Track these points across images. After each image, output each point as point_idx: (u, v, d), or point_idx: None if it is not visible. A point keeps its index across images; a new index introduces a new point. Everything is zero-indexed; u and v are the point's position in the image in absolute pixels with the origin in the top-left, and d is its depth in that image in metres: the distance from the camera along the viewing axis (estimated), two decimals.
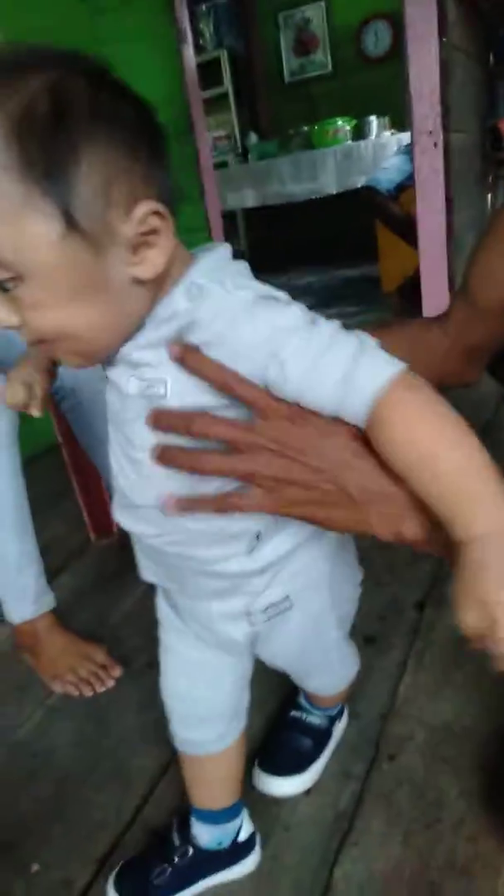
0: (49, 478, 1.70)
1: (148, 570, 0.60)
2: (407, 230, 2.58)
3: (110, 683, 1.03)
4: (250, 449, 0.45)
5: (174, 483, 0.48)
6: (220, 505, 0.47)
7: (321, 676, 0.76)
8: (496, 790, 0.78)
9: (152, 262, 0.43)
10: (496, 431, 1.67)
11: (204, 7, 4.16)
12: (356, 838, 0.76)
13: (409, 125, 1.98)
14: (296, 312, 0.45)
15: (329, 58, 4.17)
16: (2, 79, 0.38)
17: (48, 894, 0.75)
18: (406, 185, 2.76)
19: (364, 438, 0.45)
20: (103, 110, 0.40)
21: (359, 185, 3.07)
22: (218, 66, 4.20)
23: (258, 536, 0.52)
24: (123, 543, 1.18)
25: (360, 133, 3.39)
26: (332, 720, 0.87)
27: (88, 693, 1.02)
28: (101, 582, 1.30)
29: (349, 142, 3.37)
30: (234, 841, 0.74)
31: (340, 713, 0.89)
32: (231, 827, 0.73)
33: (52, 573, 1.34)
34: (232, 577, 0.54)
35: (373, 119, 3.34)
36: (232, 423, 0.45)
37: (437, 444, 0.43)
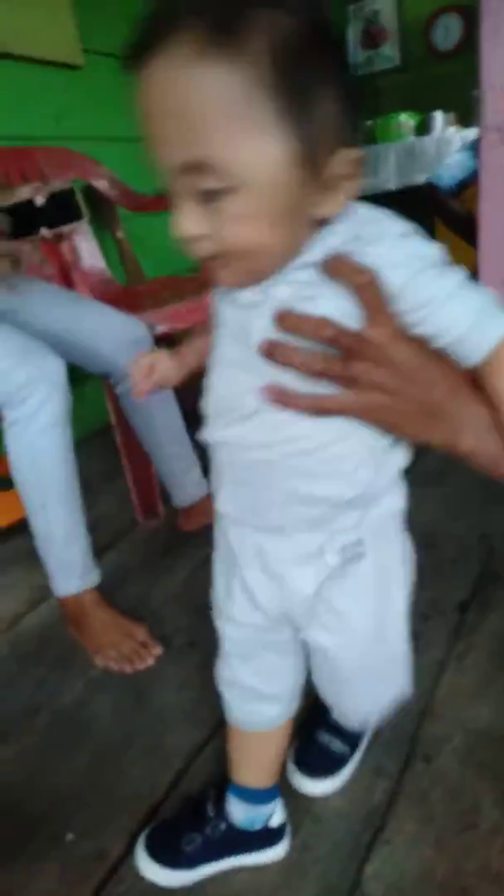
0: (100, 457, 1.73)
1: (228, 501, 0.60)
2: (467, 229, 2.53)
3: (150, 661, 1.05)
4: (355, 356, 0.50)
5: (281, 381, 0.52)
6: (313, 403, 0.51)
7: (365, 684, 0.67)
8: None
9: (337, 201, 0.47)
10: None
11: None
12: (388, 836, 0.76)
13: (478, 121, 1.93)
14: (440, 251, 0.49)
15: (398, 51, 4.09)
16: (266, 4, 0.41)
17: (82, 864, 0.77)
18: (469, 183, 2.70)
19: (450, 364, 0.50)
20: (342, 56, 0.46)
21: (419, 182, 3.02)
22: None
23: (360, 463, 0.54)
24: (170, 525, 1.19)
25: (424, 128, 3.31)
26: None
27: (128, 670, 1.04)
28: (146, 562, 1.32)
29: (412, 137, 3.31)
30: (266, 825, 0.75)
31: None
32: (266, 810, 0.75)
33: (98, 551, 1.37)
34: (326, 503, 0.55)
35: (438, 114, 3.27)
36: (345, 330, 0.49)
37: None
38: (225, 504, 0.60)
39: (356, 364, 0.50)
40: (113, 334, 1.17)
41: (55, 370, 0.99)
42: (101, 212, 1.87)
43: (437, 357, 0.50)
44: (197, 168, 0.43)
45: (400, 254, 0.48)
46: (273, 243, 0.47)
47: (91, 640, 1.08)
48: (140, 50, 0.42)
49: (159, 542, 1.39)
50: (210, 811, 0.76)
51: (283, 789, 0.78)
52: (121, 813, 0.82)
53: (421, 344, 0.50)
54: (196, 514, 1.38)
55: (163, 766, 0.87)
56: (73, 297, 1.24)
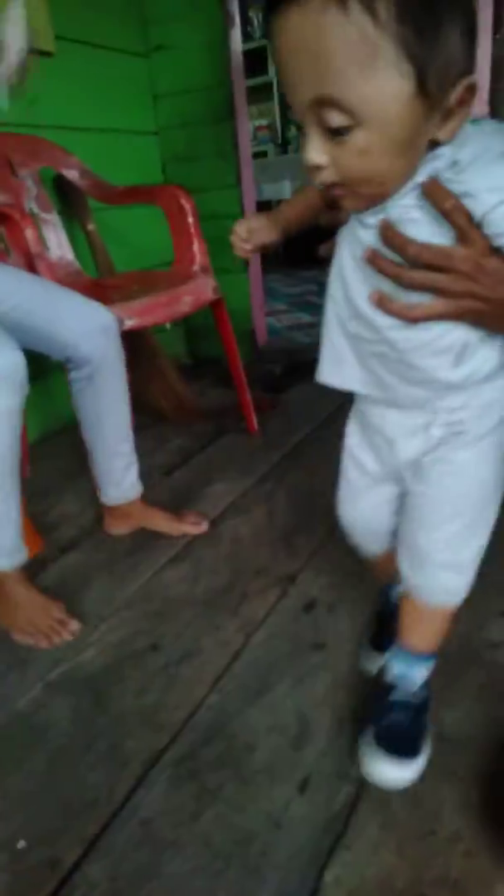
0: (64, 456, 1.70)
1: (359, 381, 0.69)
2: None
3: (68, 636, 1.09)
4: (448, 269, 0.57)
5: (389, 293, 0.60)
6: (405, 310, 0.60)
7: (438, 556, 0.75)
8: (495, 805, 0.76)
9: (453, 128, 0.51)
10: None
11: None
12: (349, 842, 0.74)
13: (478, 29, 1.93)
14: None
15: None
16: None
17: (33, 873, 0.74)
18: None
19: None
20: (461, 5, 0.48)
21: None
22: (264, 55, 4.15)
23: (464, 350, 0.62)
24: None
25: None
26: (428, 685, 0.83)
27: (44, 645, 1.08)
28: (110, 562, 1.29)
29: None
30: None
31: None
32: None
33: (60, 550, 1.34)
34: (431, 387, 0.64)
35: None
36: (431, 248, 0.56)
37: None
38: (357, 383, 0.70)
39: (442, 277, 0.57)
40: (77, 320, 1.15)
41: (8, 364, 0.96)
42: (72, 203, 1.83)
43: None
44: (325, 104, 0.48)
45: (486, 182, 0.52)
46: (392, 171, 0.53)
47: (7, 616, 1.10)
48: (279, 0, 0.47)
49: (124, 542, 1.36)
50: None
51: (244, 794, 0.76)
52: (76, 820, 0.79)
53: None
54: (125, 515, 1.35)
55: (121, 772, 0.85)
56: (36, 280, 1.20)
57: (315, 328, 2.69)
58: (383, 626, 0.95)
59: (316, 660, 1.00)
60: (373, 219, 0.58)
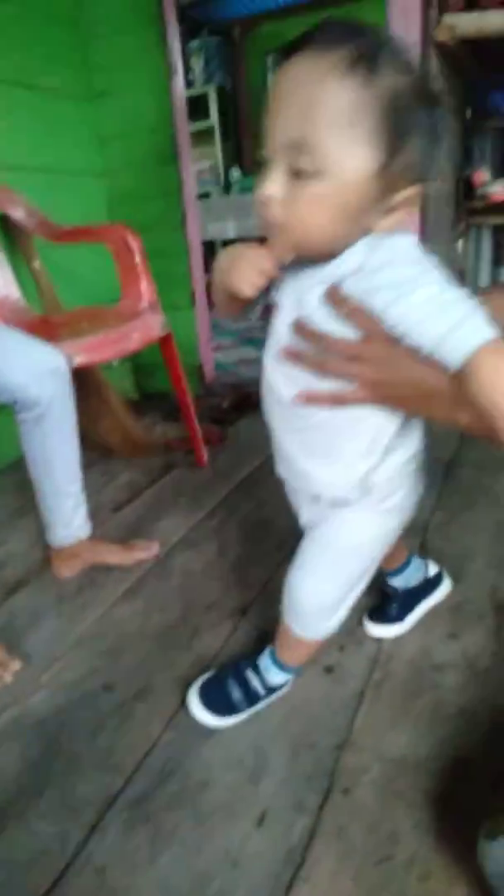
0: (11, 493, 1.67)
1: (279, 465, 0.82)
2: None
3: (8, 678, 1.06)
4: (359, 359, 0.64)
5: (305, 381, 0.68)
6: (335, 398, 0.67)
7: (307, 600, 0.85)
8: (449, 825, 0.78)
9: (387, 225, 0.59)
10: (456, 468, 1.70)
11: (196, 44, 4.27)
12: (307, 874, 0.74)
13: (439, 158, 2.04)
14: (435, 275, 0.59)
15: None
16: (394, 57, 0.54)
17: None
18: None
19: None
20: (438, 117, 0.57)
21: None
22: (206, 101, 4.29)
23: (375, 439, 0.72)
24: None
25: None
26: (273, 691, 0.96)
27: None
28: (58, 602, 1.27)
29: None
30: (426, 578, 1.12)
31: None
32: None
33: (8, 590, 1.31)
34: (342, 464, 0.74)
35: None
36: (349, 341, 0.64)
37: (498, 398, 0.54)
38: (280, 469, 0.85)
39: (357, 366, 0.64)
40: (26, 362, 1.14)
41: None
42: (17, 241, 1.84)
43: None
44: (300, 146, 0.54)
45: (387, 280, 0.59)
46: (328, 232, 0.59)
47: None
48: (297, 46, 0.54)
49: (73, 580, 1.34)
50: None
51: (206, 829, 0.75)
52: (26, 874, 0.76)
53: (403, 347, 0.61)
54: (74, 555, 1.33)
55: (74, 820, 0.83)
56: None
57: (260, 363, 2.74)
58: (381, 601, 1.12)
59: None
60: (285, 300, 0.68)
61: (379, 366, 0.64)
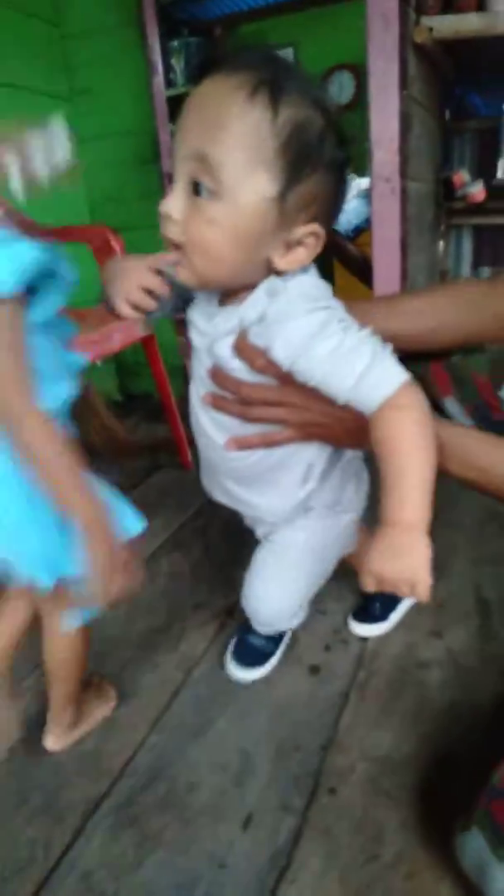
0: None
1: (216, 492, 0.82)
2: (363, 271, 2.67)
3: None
4: (281, 404, 0.66)
5: (232, 426, 0.70)
6: (265, 440, 0.69)
7: (263, 605, 0.89)
8: (435, 822, 0.78)
9: (290, 261, 0.59)
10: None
11: (176, 43, 4.25)
12: (293, 875, 0.74)
13: (369, 171, 2.05)
14: (333, 325, 0.59)
15: None
16: (301, 90, 0.54)
17: None
18: (363, 228, 2.86)
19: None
20: (342, 158, 0.57)
21: None
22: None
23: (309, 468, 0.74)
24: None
25: None
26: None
27: None
28: None
29: None
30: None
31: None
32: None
33: None
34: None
35: None
36: (267, 388, 0.65)
37: (406, 444, 0.57)
38: (216, 495, 0.85)
39: (280, 411, 0.66)
40: None
41: None
42: None
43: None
44: (202, 160, 0.54)
45: (287, 338, 0.59)
46: (225, 259, 0.57)
47: None
48: (210, 67, 0.55)
49: None
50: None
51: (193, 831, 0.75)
52: (10, 882, 0.76)
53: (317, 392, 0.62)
54: None
55: (58, 825, 0.82)
56: None
57: None
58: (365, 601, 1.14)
59: (256, 692, 1.00)
60: (198, 341, 0.68)
61: (301, 410, 0.65)
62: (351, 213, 2.93)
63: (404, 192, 2.01)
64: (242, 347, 0.63)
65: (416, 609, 1.15)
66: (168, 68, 4.53)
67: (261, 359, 0.62)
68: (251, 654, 1.03)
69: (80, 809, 0.83)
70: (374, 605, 1.11)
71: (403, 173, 2.00)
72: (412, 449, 0.57)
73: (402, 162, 1.98)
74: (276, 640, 1.05)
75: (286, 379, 0.63)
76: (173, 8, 2.34)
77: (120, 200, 2.20)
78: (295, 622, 0.95)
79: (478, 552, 1.32)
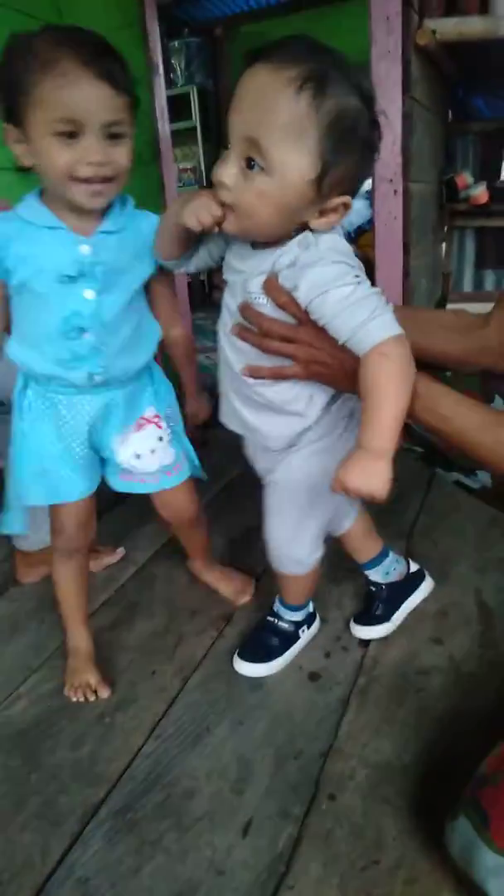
0: None
1: (232, 422, 0.89)
2: (365, 272, 2.67)
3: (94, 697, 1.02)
4: (294, 341, 0.76)
5: (252, 357, 0.80)
6: (275, 373, 0.79)
7: (275, 534, 0.96)
8: (435, 829, 0.77)
9: (322, 224, 0.69)
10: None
11: (176, 44, 4.25)
12: (292, 881, 0.74)
13: (372, 172, 2.05)
14: (350, 277, 0.69)
15: None
16: (343, 80, 0.62)
17: None
18: (365, 229, 2.86)
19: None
20: (375, 139, 0.67)
21: None
22: (188, 100, 4.27)
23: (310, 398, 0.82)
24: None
25: None
26: (299, 626, 1.07)
27: None
28: (40, 611, 1.25)
29: None
30: (409, 572, 1.15)
31: (309, 621, 1.10)
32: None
33: None
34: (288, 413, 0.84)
35: None
36: (284, 324, 0.75)
37: (385, 385, 0.67)
38: (231, 424, 0.91)
39: (291, 346, 0.76)
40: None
41: None
42: None
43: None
44: (253, 143, 0.63)
45: (311, 279, 0.69)
46: (268, 221, 0.68)
47: None
48: (262, 55, 0.62)
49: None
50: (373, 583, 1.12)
51: (186, 841, 0.74)
52: (7, 886, 0.75)
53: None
54: (42, 561, 1.30)
55: (56, 830, 0.81)
56: None
57: None
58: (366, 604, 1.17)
59: (255, 699, 0.99)
60: (235, 279, 0.78)
61: (309, 347, 0.75)
62: (353, 213, 2.93)
63: (407, 194, 2.00)
64: (271, 286, 0.73)
65: (417, 616, 1.15)
66: (169, 68, 4.53)
67: (284, 296, 0.72)
68: (258, 650, 1.05)
69: (78, 815, 0.83)
70: (376, 605, 1.12)
71: (406, 175, 1.99)
72: (389, 389, 0.67)
73: (405, 164, 1.97)
74: (286, 638, 1.06)
75: (303, 319, 0.74)
76: (174, 9, 2.35)
77: None
78: (299, 557, 0.97)
79: (480, 558, 1.31)
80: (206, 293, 4.71)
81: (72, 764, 0.90)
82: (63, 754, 0.92)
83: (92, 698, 1.01)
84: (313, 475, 0.87)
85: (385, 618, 1.11)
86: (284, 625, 1.07)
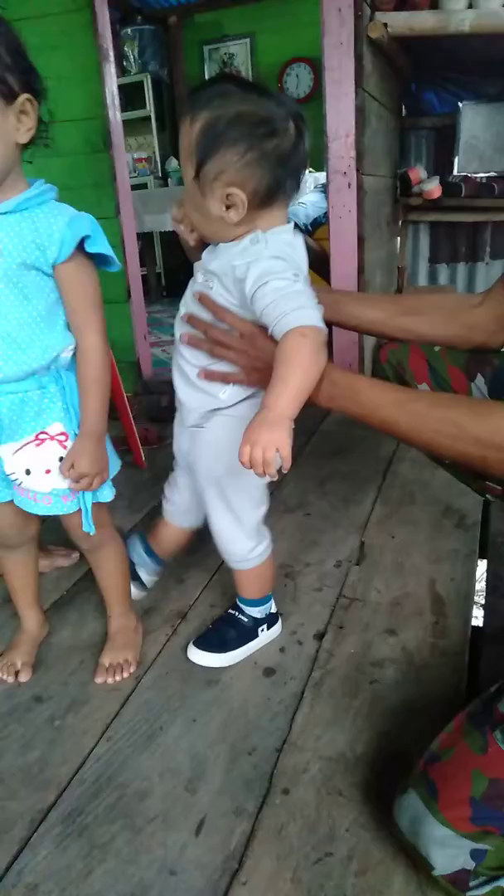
0: None
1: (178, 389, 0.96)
2: (320, 264, 2.67)
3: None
4: (234, 350, 0.85)
5: (203, 361, 0.90)
6: (223, 377, 0.88)
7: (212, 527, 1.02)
8: (387, 819, 0.78)
9: (230, 217, 0.79)
10: (396, 463, 1.72)
11: (129, 31, 4.17)
12: (245, 877, 0.74)
13: (325, 165, 2.05)
14: (288, 273, 0.77)
15: None
16: (210, 102, 0.75)
17: None
18: (321, 222, 2.87)
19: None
20: (233, 132, 0.75)
21: None
22: (141, 88, 4.21)
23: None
24: None
25: None
26: (258, 623, 1.07)
27: None
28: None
29: None
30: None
31: (270, 621, 1.09)
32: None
33: None
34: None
35: None
36: (229, 333, 0.85)
37: (298, 357, 0.74)
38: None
39: (238, 353, 0.84)
40: None
41: None
42: None
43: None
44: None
45: (255, 272, 0.77)
46: (203, 225, 0.83)
47: None
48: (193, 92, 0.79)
49: (1, 588, 1.28)
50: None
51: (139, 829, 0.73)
52: None
53: (267, 339, 0.80)
54: None
55: (3, 837, 0.79)
56: None
57: None
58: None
59: (209, 696, 0.99)
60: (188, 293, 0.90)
61: (246, 355, 0.83)
62: (309, 205, 2.93)
63: (360, 187, 2.01)
64: (205, 301, 0.85)
65: (371, 608, 1.16)
66: (121, 56, 4.45)
67: (220, 310, 0.84)
68: (214, 640, 1.06)
69: (27, 820, 0.81)
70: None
71: (360, 168, 2.00)
72: (301, 362, 0.73)
73: (359, 157, 1.98)
74: (244, 633, 1.06)
75: (242, 330, 0.83)
76: None
77: (70, 189, 2.14)
78: (251, 558, 1.01)
79: (433, 549, 1.33)
80: (161, 287, 4.66)
81: (20, 769, 0.88)
82: (11, 760, 0.89)
83: (10, 679, 1.03)
84: (221, 457, 0.91)
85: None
86: (243, 619, 1.07)
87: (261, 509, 1.00)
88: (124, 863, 0.76)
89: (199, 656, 1.05)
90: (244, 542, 1.00)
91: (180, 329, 0.92)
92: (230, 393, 0.90)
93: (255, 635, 1.07)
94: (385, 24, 1.91)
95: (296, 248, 0.82)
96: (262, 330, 0.80)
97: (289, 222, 0.84)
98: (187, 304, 0.90)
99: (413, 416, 0.78)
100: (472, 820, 0.63)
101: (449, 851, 0.64)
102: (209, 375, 0.88)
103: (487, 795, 0.63)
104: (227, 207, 0.78)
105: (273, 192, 0.78)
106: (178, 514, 1.12)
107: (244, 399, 0.90)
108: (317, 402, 0.82)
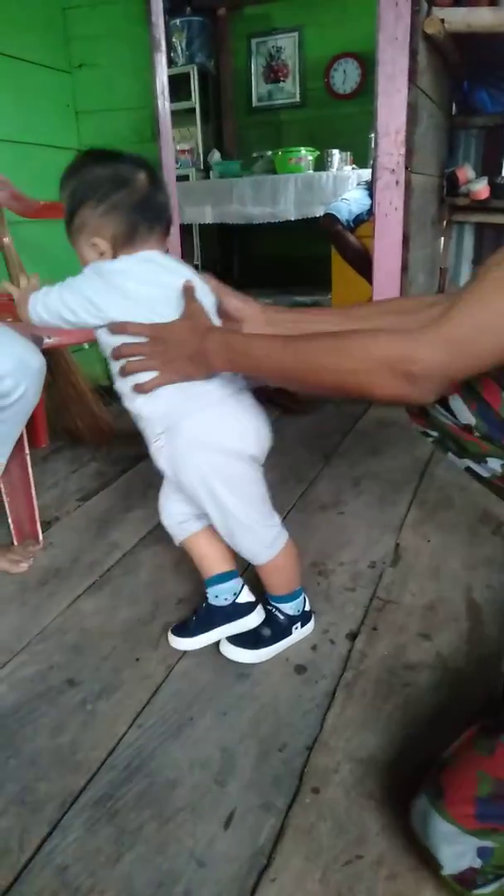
0: None
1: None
2: (362, 262, 2.64)
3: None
4: (144, 355, 0.90)
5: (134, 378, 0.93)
6: (153, 383, 0.91)
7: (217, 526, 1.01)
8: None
9: (95, 257, 0.92)
10: (433, 465, 1.70)
11: (178, 22, 4.17)
12: (274, 874, 0.73)
13: (373, 162, 2.02)
14: (69, 278, 0.93)
15: (297, 88, 4.25)
16: (74, 178, 0.92)
17: None
18: (363, 219, 2.83)
19: None
20: (84, 194, 0.90)
21: (317, 214, 3.11)
22: (187, 80, 4.20)
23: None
24: (51, 556, 1.11)
25: (321, 164, 3.44)
26: (293, 620, 1.06)
27: None
28: (21, 593, 1.23)
29: (310, 171, 3.42)
30: (234, 602, 1.05)
31: (304, 618, 1.08)
32: (229, 587, 1.06)
33: None
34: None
35: (335, 152, 3.41)
36: (138, 343, 0.90)
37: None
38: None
39: (150, 361, 0.89)
40: (10, 358, 1.12)
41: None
42: None
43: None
44: None
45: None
46: (82, 259, 0.95)
47: None
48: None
49: (36, 571, 1.30)
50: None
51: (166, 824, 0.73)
52: None
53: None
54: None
55: (34, 817, 0.80)
56: None
57: None
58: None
59: (240, 690, 0.98)
60: None
61: (158, 350, 0.88)
62: (352, 202, 2.89)
63: (408, 185, 1.99)
64: (117, 328, 0.90)
65: (407, 610, 1.14)
66: (170, 46, 4.44)
67: (129, 326, 0.89)
68: (247, 636, 1.05)
69: (58, 803, 0.81)
70: (190, 620, 1.09)
71: (408, 166, 1.97)
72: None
73: (408, 154, 1.95)
74: (279, 630, 1.06)
75: (146, 334, 0.89)
76: None
77: None
78: (266, 553, 1.02)
79: (470, 555, 1.31)
80: None
81: (52, 751, 0.89)
82: (43, 741, 0.90)
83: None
84: (187, 462, 0.94)
85: (195, 633, 1.07)
86: (279, 616, 1.06)
87: (254, 501, 0.98)
88: (153, 851, 0.76)
89: (232, 652, 1.04)
90: (246, 536, 0.99)
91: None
92: (133, 403, 0.94)
93: (289, 633, 1.06)
94: (442, 20, 1.87)
95: (97, 269, 0.91)
96: (162, 324, 0.88)
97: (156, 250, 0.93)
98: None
99: (296, 352, 0.81)
100: (477, 817, 0.64)
101: (456, 849, 0.65)
102: (140, 388, 0.91)
103: (493, 794, 0.64)
104: (101, 253, 0.91)
105: (132, 233, 0.90)
106: (195, 518, 1.07)
107: (149, 417, 0.95)
108: (216, 369, 0.88)
